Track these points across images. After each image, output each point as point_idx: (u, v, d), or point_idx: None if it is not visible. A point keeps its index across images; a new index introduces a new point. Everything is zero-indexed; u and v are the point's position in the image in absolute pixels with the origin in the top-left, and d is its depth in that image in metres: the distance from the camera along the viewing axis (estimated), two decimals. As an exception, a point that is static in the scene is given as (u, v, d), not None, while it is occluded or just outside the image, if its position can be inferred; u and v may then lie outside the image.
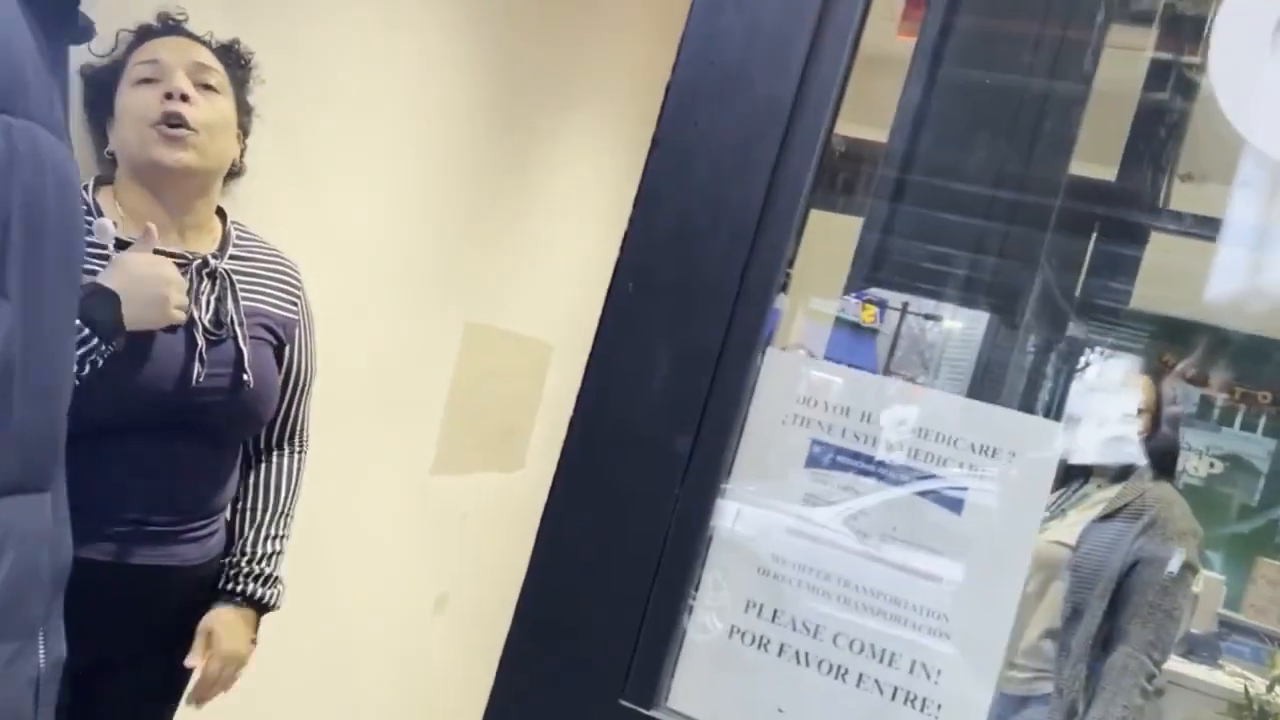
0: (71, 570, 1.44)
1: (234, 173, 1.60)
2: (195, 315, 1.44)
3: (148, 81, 1.44)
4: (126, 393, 1.35)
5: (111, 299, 1.29)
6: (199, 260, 1.47)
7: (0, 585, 0.64)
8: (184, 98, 1.43)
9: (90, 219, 1.41)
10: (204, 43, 1.55)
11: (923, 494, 0.67)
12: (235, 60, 1.58)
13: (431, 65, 2.26)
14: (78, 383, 1.28)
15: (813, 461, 0.69)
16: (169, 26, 1.53)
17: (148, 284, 1.34)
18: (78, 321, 1.21)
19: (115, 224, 1.42)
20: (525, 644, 0.73)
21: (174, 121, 1.42)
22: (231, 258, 1.53)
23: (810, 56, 0.70)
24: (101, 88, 1.52)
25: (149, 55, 1.47)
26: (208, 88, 1.48)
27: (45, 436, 0.69)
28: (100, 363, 1.32)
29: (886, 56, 0.92)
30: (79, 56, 1.54)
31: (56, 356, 0.69)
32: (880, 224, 0.95)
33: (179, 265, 1.45)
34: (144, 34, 1.52)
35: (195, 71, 1.47)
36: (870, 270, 0.96)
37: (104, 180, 1.51)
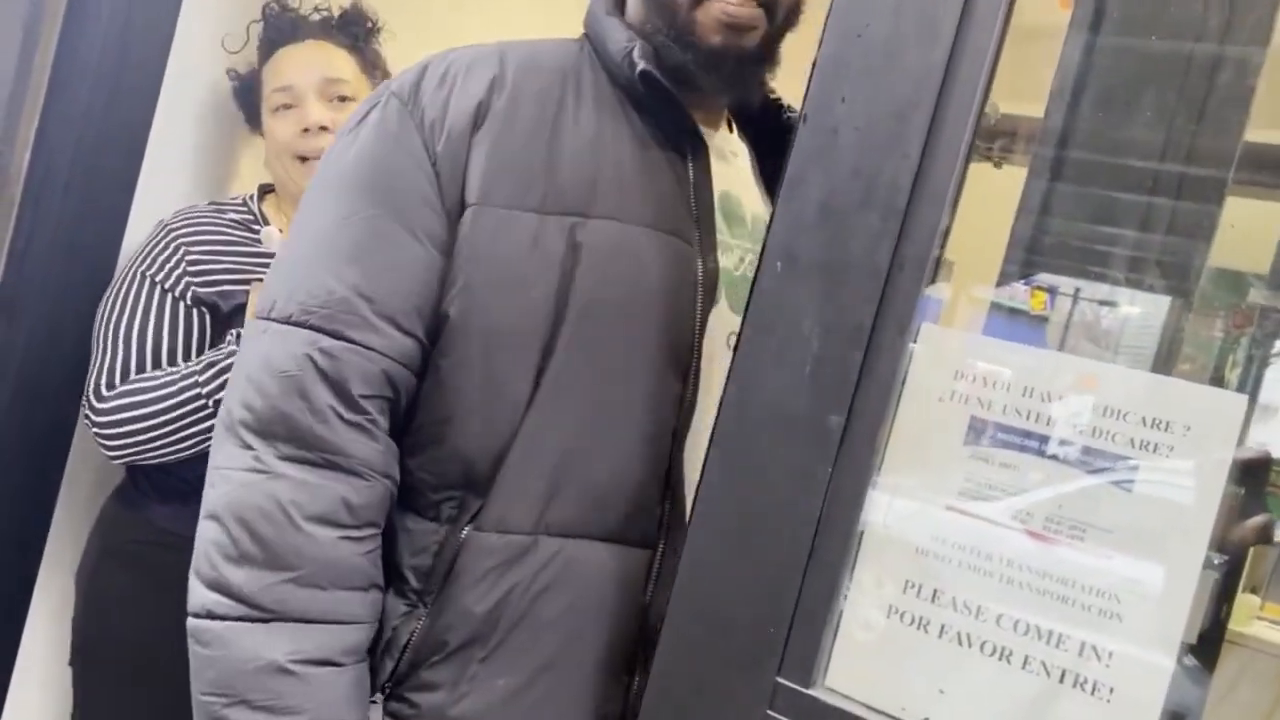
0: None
1: None
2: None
3: (285, 108, 1.52)
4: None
5: None
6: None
7: None
8: (322, 128, 1.49)
9: (257, 227, 1.50)
10: (328, 30, 1.58)
11: (1091, 471, 0.64)
12: (359, 28, 1.62)
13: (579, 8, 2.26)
14: None
15: (972, 439, 0.67)
16: (292, 25, 1.57)
17: None
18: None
19: (280, 231, 1.50)
20: (683, 620, 0.74)
21: (316, 155, 1.50)
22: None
23: (961, 24, 0.69)
24: (247, 103, 1.61)
25: (281, 79, 1.53)
26: (343, 99, 1.54)
27: None
28: None
29: (1053, 28, 0.88)
30: (219, 59, 1.62)
31: None
32: (1046, 205, 0.91)
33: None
34: (273, 40, 1.57)
35: (327, 88, 1.53)
36: (1038, 254, 0.93)
37: (267, 189, 1.60)
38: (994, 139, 0.74)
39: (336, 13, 1.59)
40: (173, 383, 1.36)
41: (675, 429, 0.92)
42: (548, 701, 0.90)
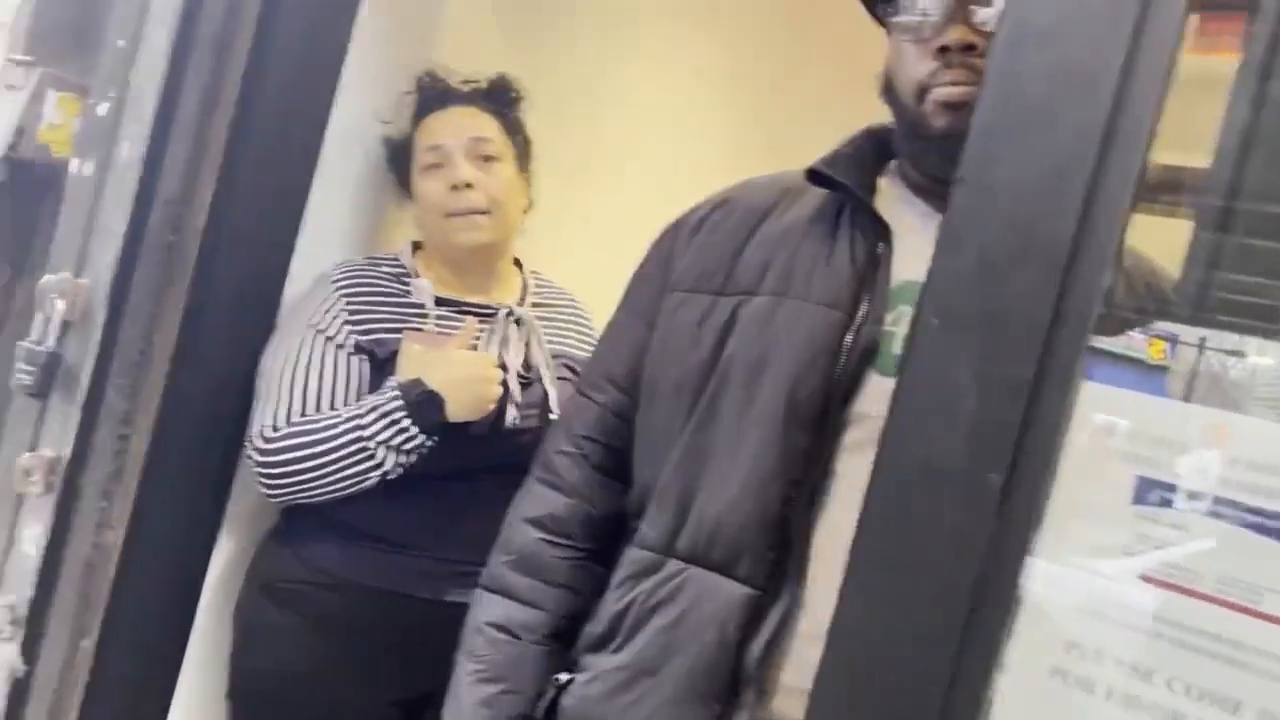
0: (398, 606, 1.59)
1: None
2: (507, 361, 1.57)
3: (435, 167, 1.60)
4: (447, 439, 1.49)
5: (437, 401, 1.44)
6: (505, 310, 1.61)
7: None
8: (469, 185, 1.57)
9: (409, 279, 1.58)
10: (476, 98, 1.66)
11: (1266, 533, 0.63)
12: (504, 96, 1.70)
13: (709, 86, 2.25)
14: (402, 469, 1.45)
15: (1139, 498, 0.66)
16: (442, 95, 1.66)
17: (471, 384, 1.50)
18: (405, 419, 1.39)
19: (430, 284, 1.58)
20: (837, 679, 0.74)
21: (463, 212, 1.57)
22: (533, 305, 1.66)
23: (1121, 86, 0.69)
24: (399, 165, 1.70)
25: (431, 139, 1.62)
26: (488, 158, 1.61)
27: None
28: (424, 452, 1.47)
29: (1186, 75, 0.87)
30: (373, 129, 1.71)
31: None
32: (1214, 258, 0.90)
33: (487, 315, 1.60)
34: (425, 106, 1.67)
35: (474, 148, 1.60)
36: (1203, 308, 0.91)
37: (418, 246, 1.69)
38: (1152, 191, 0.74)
39: (484, 84, 1.68)
40: (335, 425, 1.44)
41: (797, 479, 0.98)
42: (640, 704, 1.01)
